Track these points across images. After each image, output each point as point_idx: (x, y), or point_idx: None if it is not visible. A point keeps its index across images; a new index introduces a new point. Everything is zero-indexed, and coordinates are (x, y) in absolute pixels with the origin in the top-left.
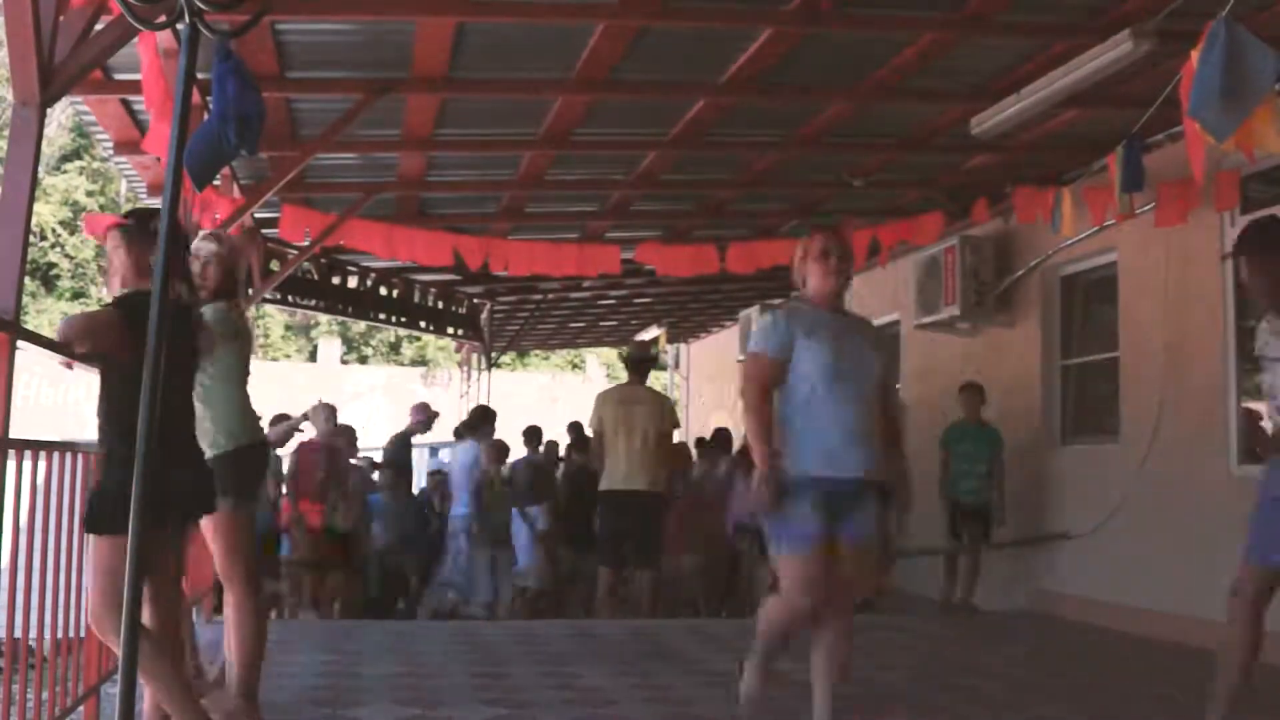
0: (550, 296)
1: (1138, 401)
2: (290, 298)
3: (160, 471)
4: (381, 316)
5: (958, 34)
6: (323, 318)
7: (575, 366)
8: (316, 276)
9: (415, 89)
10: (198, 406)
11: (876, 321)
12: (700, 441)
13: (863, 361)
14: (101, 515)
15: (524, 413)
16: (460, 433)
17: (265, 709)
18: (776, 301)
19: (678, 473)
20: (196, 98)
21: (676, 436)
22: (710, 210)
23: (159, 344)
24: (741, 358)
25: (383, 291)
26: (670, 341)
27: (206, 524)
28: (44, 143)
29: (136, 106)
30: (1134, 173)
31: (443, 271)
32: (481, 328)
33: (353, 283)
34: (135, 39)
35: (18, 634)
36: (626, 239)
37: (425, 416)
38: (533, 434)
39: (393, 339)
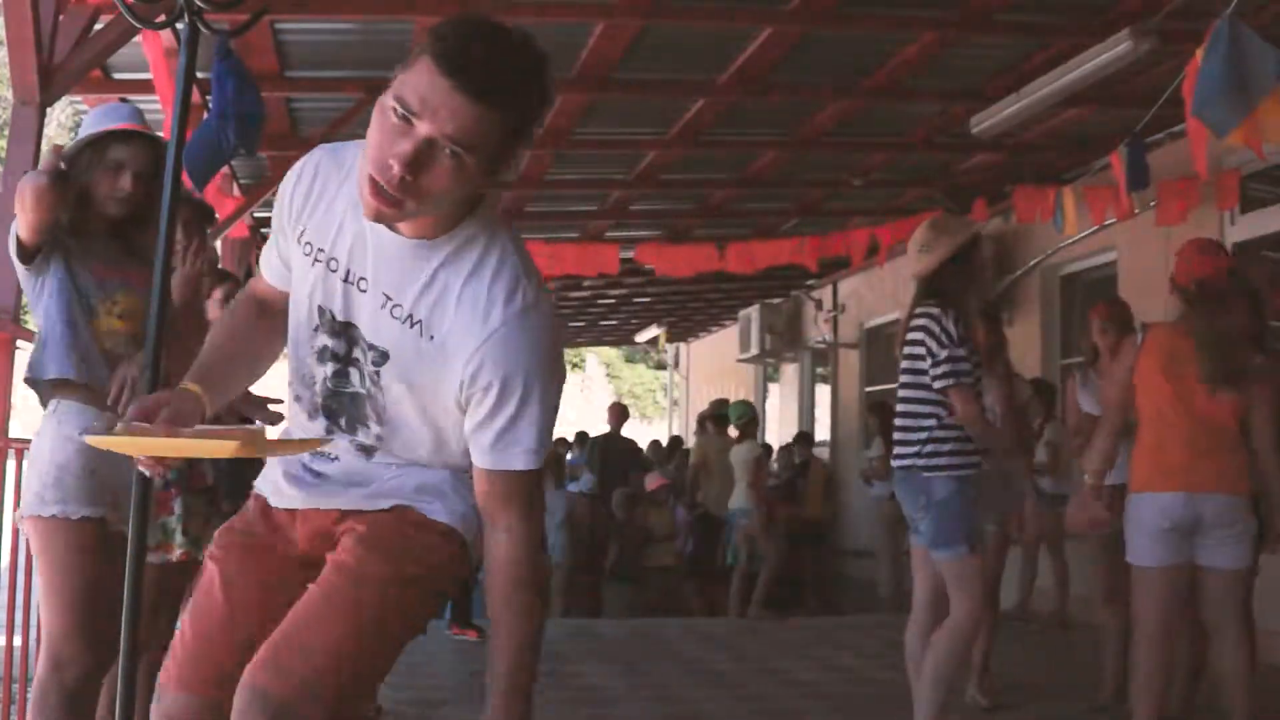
0: (550, 296)
1: None
2: None
3: None
4: None
5: (958, 34)
6: None
7: (575, 366)
8: None
9: None
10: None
11: (876, 321)
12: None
13: None
14: None
15: None
16: None
17: None
18: (776, 301)
19: None
20: (197, 97)
21: None
22: (710, 210)
23: (158, 340)
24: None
25: None
26: (670, 341)
27: None
28: (44, 142)
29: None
30: (1139, 171)
31: None
32: None
33: None
34: (140, 40)
35: (18, 634)
36: (626, 238)
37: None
38: None
39: None
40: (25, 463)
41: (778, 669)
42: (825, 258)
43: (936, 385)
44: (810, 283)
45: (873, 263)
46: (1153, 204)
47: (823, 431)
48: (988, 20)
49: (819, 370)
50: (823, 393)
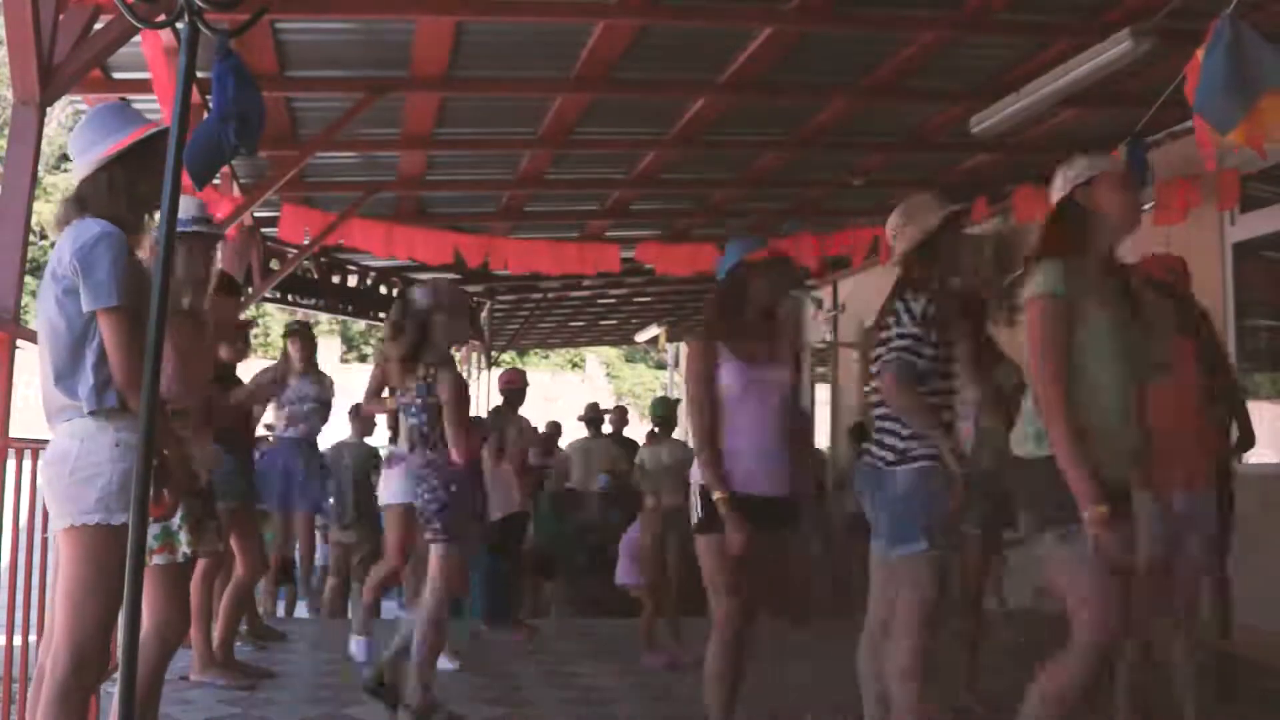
0: (550, 295)
1: None
2: (290, 297)
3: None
4: (381, 315)
5: (958, 34)
6: (323, 317)
7: (575, 365)
8: (316, 275)
9: (415, 88)
10: None
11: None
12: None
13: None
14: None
15: (524, 411)
16: None
17: (263, 706)
18: None
19: None
20: (197, 97)
21: None
22: (710, 210)
23: (158, 342)
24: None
25: (383, 290)
26: (670, 340)
27: None
28: (44, 142)
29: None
30: (1140, 170)
31: (443, 270)
32: (481, 326)
33: (353, 281)
34: (140, 39)
35: (18, 634)
36: (626, 238)
37: None
38: None
39: None
40: (66, 471)
41: (776, 669)
42: (825, 257)
43: (879, 363)
44: (810, 282)
45: (873, 262)
46: (1150, 205)
47: (823, 431)
48: (988, 20)
49: (819, 370)
50: (823, 393)
